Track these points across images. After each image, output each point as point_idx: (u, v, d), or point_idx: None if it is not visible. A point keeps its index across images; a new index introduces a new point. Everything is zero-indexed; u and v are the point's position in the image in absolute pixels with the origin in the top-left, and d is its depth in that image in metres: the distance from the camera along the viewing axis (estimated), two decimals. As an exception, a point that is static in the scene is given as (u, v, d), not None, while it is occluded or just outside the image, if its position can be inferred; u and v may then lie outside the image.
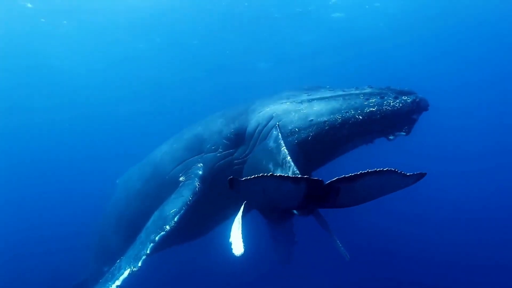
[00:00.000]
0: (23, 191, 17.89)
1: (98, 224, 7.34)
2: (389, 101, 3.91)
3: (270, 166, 3.43)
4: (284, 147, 3.32)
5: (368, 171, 2.18)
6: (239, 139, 4.62)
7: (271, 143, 3.75)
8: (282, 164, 3.26)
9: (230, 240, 3.91)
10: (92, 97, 26.33)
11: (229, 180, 2.35)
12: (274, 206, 5.15)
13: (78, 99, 26.33)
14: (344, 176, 2.25)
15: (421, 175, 2.25)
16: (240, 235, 3.77)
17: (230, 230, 4.32)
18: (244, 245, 3.63)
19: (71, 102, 26.36)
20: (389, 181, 2.31)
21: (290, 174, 3.05)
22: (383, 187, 2.40)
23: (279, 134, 3.59)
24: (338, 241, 3.54)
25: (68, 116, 26.48)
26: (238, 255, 3.65)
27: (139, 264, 4.04)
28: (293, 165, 3.07)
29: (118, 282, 3.90)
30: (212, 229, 5.90)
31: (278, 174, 2.35)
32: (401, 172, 2.18)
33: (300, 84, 4.86)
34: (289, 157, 3.17)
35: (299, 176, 2.38)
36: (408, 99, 3.93)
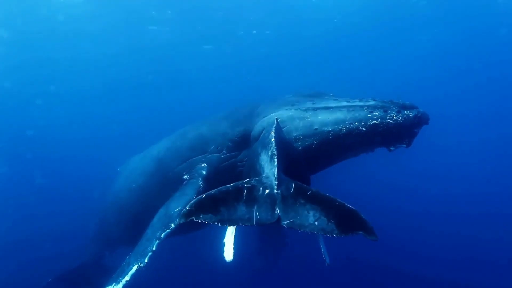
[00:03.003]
0: (24, 177, 17.93)
1: (100, 211, 7.48)
2: (392, 115, 4.03)
3: (259, 150, 3.70)
4: (274, 138, 3.46)
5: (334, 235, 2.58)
6: (243, 142, 4.73)
7: (268, 134, 3.90)
8: (266, 146, 3.50)
9: (224, 240, 4.02)
10: (95, 85, 26.19)
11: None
12: None
13: (81, 86, 26.17)
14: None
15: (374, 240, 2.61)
16: (232, 240, 3.87)
17: (226, 230, 4.39)
18: (234, 252, 3.75)
19: (74, 89, 26.17)
20: None
21: (269, 166, 3.24)
22: None
23: (274, 125, 3.74)
24: (322, 244, 3.70)
25: (70, 103, 26.38)
26: (228, 261, 3.78)
27: (146, 260, 4.23)
28: (274, 146, 3.29)
29: (127, 278, 4.15)
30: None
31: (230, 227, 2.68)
32: (362, 233, 2.57)
33: (303, 89, 4.92)
34: (273, 140, 3.38)
35: (260, 223, 2.72)
36: (411, 114, 4.06)
